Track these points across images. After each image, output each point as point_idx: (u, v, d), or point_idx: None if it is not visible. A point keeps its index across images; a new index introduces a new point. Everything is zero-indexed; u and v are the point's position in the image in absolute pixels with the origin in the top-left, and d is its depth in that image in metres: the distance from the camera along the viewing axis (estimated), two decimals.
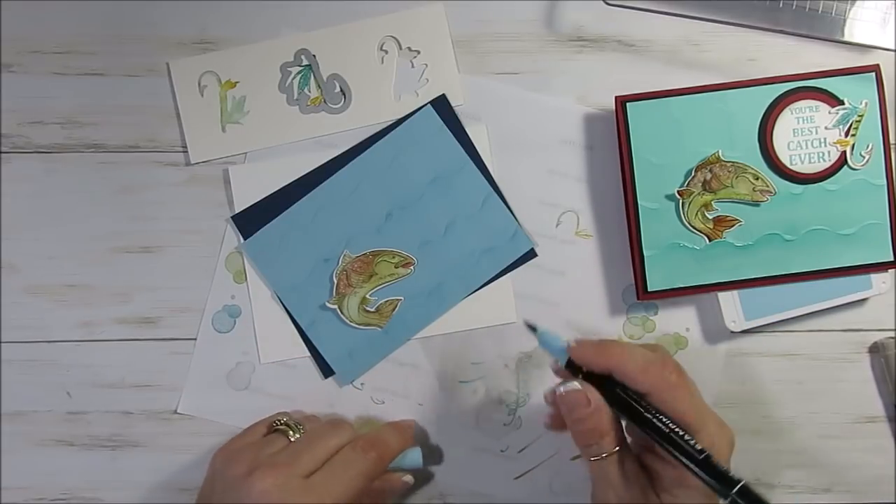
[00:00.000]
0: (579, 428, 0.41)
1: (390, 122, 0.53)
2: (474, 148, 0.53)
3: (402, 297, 0.53)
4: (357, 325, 0.52)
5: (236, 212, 0.53)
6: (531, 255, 0.53)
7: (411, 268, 0.53)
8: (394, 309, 0.53)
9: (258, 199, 0.53)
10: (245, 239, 0.53)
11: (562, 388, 0.41)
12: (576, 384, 0.41)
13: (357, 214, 0.53)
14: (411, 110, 0.53)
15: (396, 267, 0.53)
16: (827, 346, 0.54)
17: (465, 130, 0.53)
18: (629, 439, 0.43)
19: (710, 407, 0.42)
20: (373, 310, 0.53)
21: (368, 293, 0.53)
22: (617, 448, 0.41)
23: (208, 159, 0.54)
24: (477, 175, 0.53)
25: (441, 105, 0.53)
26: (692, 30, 0.53)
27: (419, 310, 0.53)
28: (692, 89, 0.51)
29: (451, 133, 0.53)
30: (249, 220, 0.53)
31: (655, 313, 0.54)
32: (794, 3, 0.50)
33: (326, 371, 0.53)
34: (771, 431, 0.54)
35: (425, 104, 0.53)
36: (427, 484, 0.54)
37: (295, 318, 0.53)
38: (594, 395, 0.41)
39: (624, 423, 0.43)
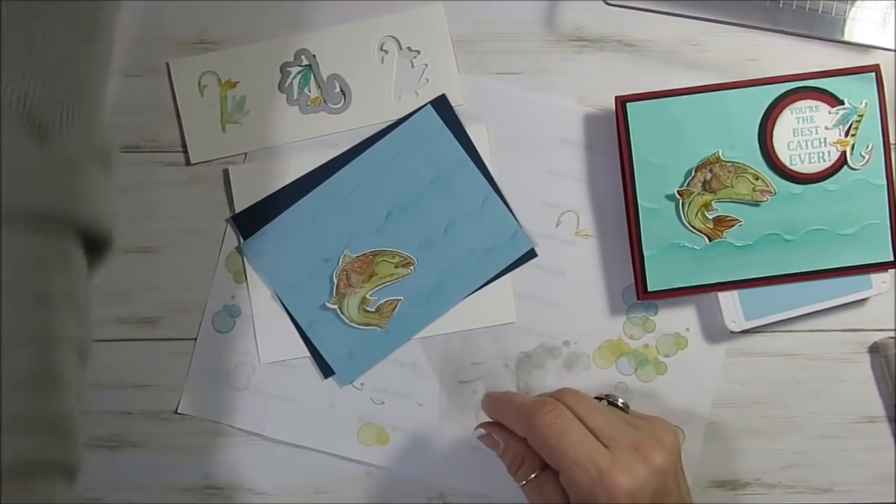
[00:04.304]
0: (503, 462, 0.46)
1: (390, 122, 0.53)
2: (474, 148, 0.53)
3: (402, 297, 0.53)
4: (357, 325, 0.53)
5: (236, 212, 0.53)
6: (531, 255, 0.53)
7: (411, 268, 0.53)
8: (394, 309, 0.53)
9: (258, 200, 0.53)
10: (245, 239, 0.53)
11: (475, 434, 0.48)
12: (481, 430, 0.47)
13: (357, 214, 0.53)
14: (411, 110, 0.53)
15: (396, 267, 0.53)
16: (827, 346, 0.54)
17: (465, 130, 0.53)
18: None
19: (620, 434, 0.43)
20: (373, 310, 0.53)
21: (368, 293, 0.52)
22: (534, 475, 0.45)
23: (208, 159, 0.54)
24: (477, 175, 0.53)
25: (441, 105, 0.53)
26: (692, 30, 0.53)
27: (419, 310, 0.53)
28: (692, 89, 0.51)
29: (451, 133, 0.53)
30: (249, 221, 0.53)
31: (655, 313, 0.54)
32: (794, 3, 0.50)
33: (326, 371, 0.53)
34: (771, 431, 0.54)
35: (425, 104, 0.53)
36: (427, 484, 0.54)
37: (295, 318, 0.53)
38: (501, 435, 0.46)
39: None
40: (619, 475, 0.41)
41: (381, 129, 0.53)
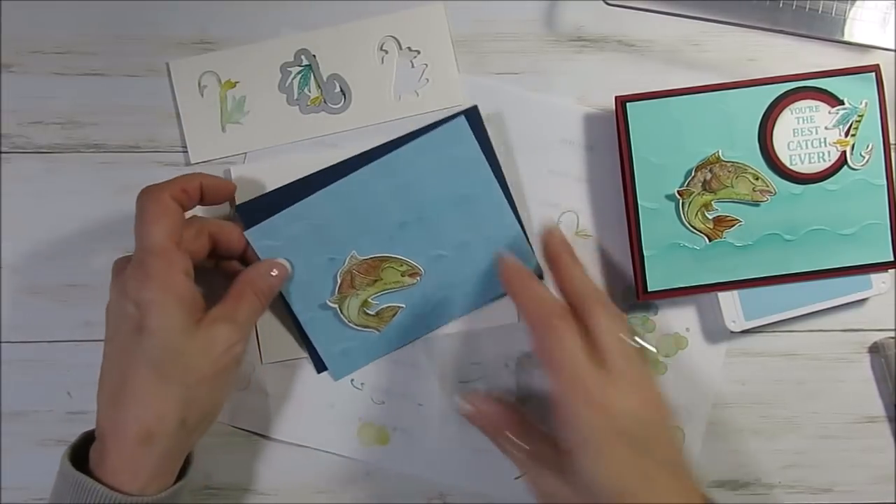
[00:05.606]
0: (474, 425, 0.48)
1: (390, 122, 0.53)
2: (499, 166, 0.52)
3: (403, 305, 0.52)
4: (355, 326, 0.52)
5: (237, 204, 0.52)
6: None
7: (417, 278, 0.52)
8: (394, 315, 0.52)
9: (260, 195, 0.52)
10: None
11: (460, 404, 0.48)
12: (466, 406, 0.47)
13: (370, 217, 0.52)
14: (411, 111, 0.53)
15: (402, 275, 0.52)
16: (827, 346, 0.54)
17: (492, 146, 0.52)
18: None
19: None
20: (373, 313, 0.52)
21: (371, 297, 0.52)
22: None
23: (208, 159, 0.54)
24: (504, 207, 0.51)
25: (473, 117, 0.52)
26: (692, 30, 0.53)
27: (419, 319, 0.53)
28: (692, 89, 0.51)
29: (481, 151, 0.51)
30: (255, 211, 0.51)
31: (655, 313, 0.54)
32: (794, 3, 0.50)
33: (319, 366, 0.53)
34: (771, 431, 0.54)
35: (458, 114, 0.52)
36: (427, 484, 0.54)
37: (294, 311, 0.52)
38: (476, 402, 0.47)
39: None
40: (602, 393, 0.41)
41: (406, 132, 0.52)
